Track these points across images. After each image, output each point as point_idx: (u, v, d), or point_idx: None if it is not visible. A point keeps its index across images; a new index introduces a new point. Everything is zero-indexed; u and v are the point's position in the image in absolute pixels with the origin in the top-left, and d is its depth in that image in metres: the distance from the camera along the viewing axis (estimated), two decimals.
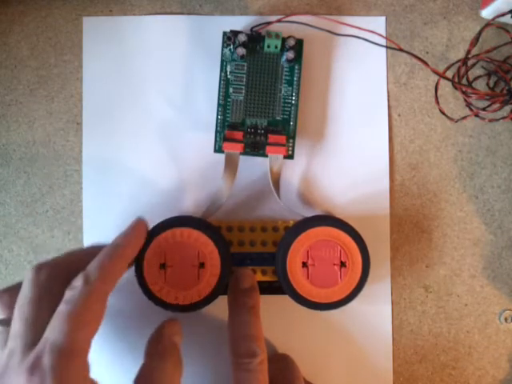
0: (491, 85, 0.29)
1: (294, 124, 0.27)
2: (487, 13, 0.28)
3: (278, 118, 0.27)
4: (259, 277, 0.27)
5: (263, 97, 0.27)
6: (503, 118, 0.28)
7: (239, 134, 0.26)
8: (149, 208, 0.28)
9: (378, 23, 0.29)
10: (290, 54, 0.26)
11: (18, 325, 0.20)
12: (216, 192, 0.27)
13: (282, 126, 0.27)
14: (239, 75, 0.27)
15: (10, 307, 0.21)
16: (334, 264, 0.25)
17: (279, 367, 0.25)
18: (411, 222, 0.29)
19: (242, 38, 0.26)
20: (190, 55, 0.28)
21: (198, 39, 0.28)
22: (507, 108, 0.28)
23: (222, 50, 0.27)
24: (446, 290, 0.29)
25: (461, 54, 0.29)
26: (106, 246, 0.22)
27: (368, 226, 0.28)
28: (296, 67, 0.27)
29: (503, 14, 0.27)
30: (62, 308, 0.19)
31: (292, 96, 0.27)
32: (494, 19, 0.27)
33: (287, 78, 0.27)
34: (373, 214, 0.28)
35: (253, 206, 0.28)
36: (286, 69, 0.27)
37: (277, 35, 0.26)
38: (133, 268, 0.24)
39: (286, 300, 0.25)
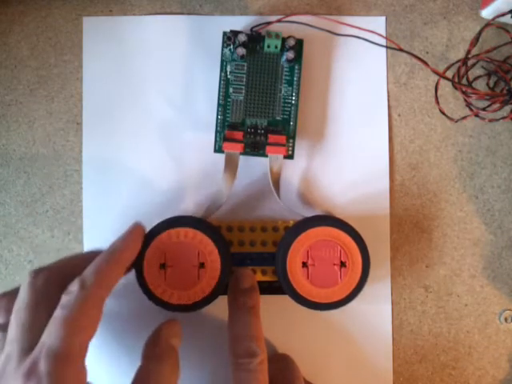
0: (491, 85, 0.29)
1: (293, 124, 0.27)
2: (487, 13, 0.28)
3: (278, 118, 0.27)
4: (259, 277, 0.27)
5: (263, 97, 0.27)
6: (503, 118, 0.28)
7: (239, 134, 0.26)
8: (149, 208, 0.28)
9: (377, 23, 0.29)
10: (290, 54, 0.26)
11: (14, 330, 0.20)
12: (216, 192, 0.27)
13: (282, 126, 0.27)
14: (239, 75, 0.27)
15: (9, 311, 0.21)
16: (334, 264, 0.25)
17: (279, 367, 0.25)
18: (411, 222, 0.29)
19: (241, 38, 0.26)
20: (190, 55, 0.28)
21: (198, 39, 0.28)
22: (507, 108, 0.28)
23: (222, 50, 0.27)
24: (446, 290, 0.29)
25: (461, 54, 0.29)
26: (103, 251, 0.22)
27: (368, 226, 0.28)
28: (296, 67, 0.27)
29: (503, 14, 0.27)
30: (58, 313, 0.19)
31: (292, 96, 0.27)
32: (494, 19, 0.27)
33: (287, 77, 0.27)
34: (373, 214, 0.28)
35: (253, 206, 0.28)
36: (286, 69, 0.27)
37: (277, 35, 0.26)
38: (131, 271, 0.24)
39: (285, 300, 0.25)
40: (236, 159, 0.26)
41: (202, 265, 0.24)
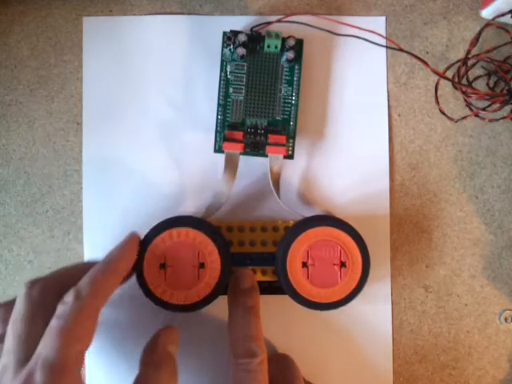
0: (491, 85, 0.29)
1: (293, 124, 0.27)
2: (487, 13, 0.28)
3: (278, 118, 0.27)
4: (259, 277, 0.27)
5: (263, 97, 0.27)
6: (503, 118, 0.28)
7: (239, 134, 0.26)
8: (149, 208, 0.28)
9: (377, 23, 0.29)
10: (290, 54, 0.26)
11: (11, 341, 0.20)
12: (216, 192, 0.27)
13: (282, 126, 0.27)
14: (239, 75, 0.27)
15: (6, 322, 0.21)
16: (334, 264, 0.25)
17: (279, 367, 0.25)
18: (411, 222, 0.29)
19: (242, 38, 0.26)
20: (190, 55, 0.28)
21: (198, 39, 0.28)
22: (507, 108, 0.28)
23: (222, 49, 0.27)
24: (446, 289, 0.29)
25: (461, 54, 0.29)
26: (99, 261, 0.22)
27: (368, 226, 0.28)
28: (296, 67, 0.27)
29: (503, 14, 0.27)
30: (54, 323, 0.19)
31: (292, 96, 0.27)
32: (494, 19, 0.27)
33: (287, 78, 0.27)
34: (373, 214, 0.28)
35: (253, 206, 0.28)
36: (286, 69, 0.27)
37: (277, 35, 0.26)
38: (127, 281, 0.24)
39: (285, 300, 0.25)
40: (236, 159, 0.26)
41: (201, 265, 0.24)
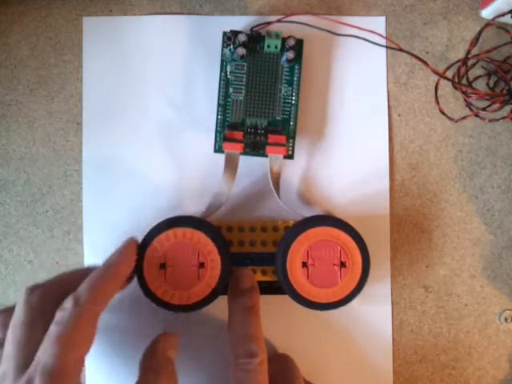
0: (491, 85, 0.29)
1: (293, 124, 0.27)
2: (487, 13, 0.28)
3: (278, 118, 0.27)
4: (259, 277, 0.27)
5: (263, 97, 0.27)
6: (503, 118, 0.28)
7: (239, 134, 0.26)
8: (149, 208, 0.28)
9: (377, 23, 0.29)
10: (290, 54, 0.26)
11: (10, 347, 0.20)
12: (216, 192, 0.27)
13: (282, 126, 0.27)
14: (239, 75, 0.27)
15: (6, 327, 0.21)
16: (334, 264, 0.25)
17: (279, 367, 0.25)
18: (411, 222, 0.29)
19: (242, 38, 0.26)
20: (190, 55, 0.28)
21: (198, 39, 0.28)
22: (507, 108, 0.28)
23: (222, 49, 0.27)
24: (446, 290, 0.29)
25: (461, 54, 0.29)
26: (98, 267, 0.22)
27: (368, 226, 0.28)
28: (296, 67, 0.27)
29: (503, 14, 0.27)
30: (53, 330, 0.19)
31: (292, 96, 0.27)
32: (494, 19, 0.27)
33: (287, 78, 0.27)
34: (373, 214, 0.28)
35: (253, 206, 0.28)
36: (286, 69, 0.27)
37: (277, 35, 0.26)
38: (127, 286, 0.24)
39: (285, 300, 0.25)
40: (236, 159, 0.26)
41: (201, 265, 0.24)
